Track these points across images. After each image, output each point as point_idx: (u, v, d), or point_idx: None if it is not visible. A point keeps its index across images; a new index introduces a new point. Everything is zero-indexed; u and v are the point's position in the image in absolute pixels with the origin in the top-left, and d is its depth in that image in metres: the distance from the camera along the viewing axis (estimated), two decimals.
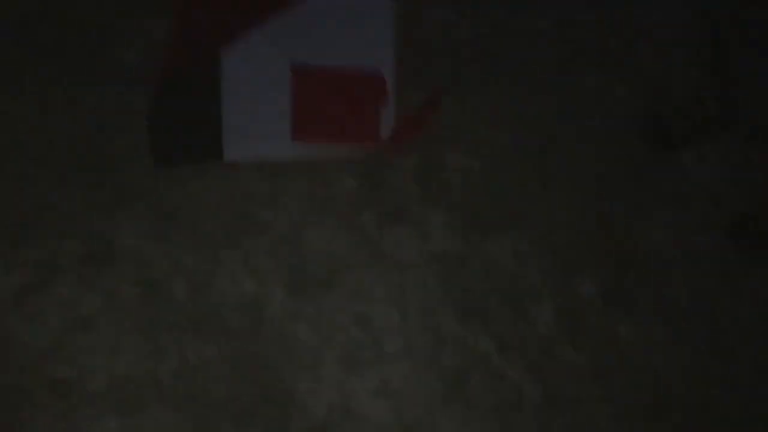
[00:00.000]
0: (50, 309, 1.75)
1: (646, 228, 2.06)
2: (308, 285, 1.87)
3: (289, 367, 1.72)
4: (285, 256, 1.91)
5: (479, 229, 2.01)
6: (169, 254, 1.87)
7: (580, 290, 1.93)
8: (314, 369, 1.72)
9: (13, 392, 1.63)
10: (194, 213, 1.96)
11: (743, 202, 2.17)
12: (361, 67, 2.19)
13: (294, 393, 1.68)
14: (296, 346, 1.75)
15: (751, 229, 2.10)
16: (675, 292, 1.96)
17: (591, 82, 2.33)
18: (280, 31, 2.26)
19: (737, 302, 1.97)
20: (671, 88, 2.33)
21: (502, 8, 2.51)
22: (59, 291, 1.78)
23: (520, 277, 1.95)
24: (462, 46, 2.40)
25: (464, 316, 1.86)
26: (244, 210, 1.98)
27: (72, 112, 2.11)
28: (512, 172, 2.13)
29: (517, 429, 1.71)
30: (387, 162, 2.09)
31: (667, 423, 1.77)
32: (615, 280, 1.96)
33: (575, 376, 1.80)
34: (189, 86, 2.10)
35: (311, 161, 2.09)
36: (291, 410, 1.66)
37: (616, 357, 1.84)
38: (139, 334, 1.73)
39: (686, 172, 2.18)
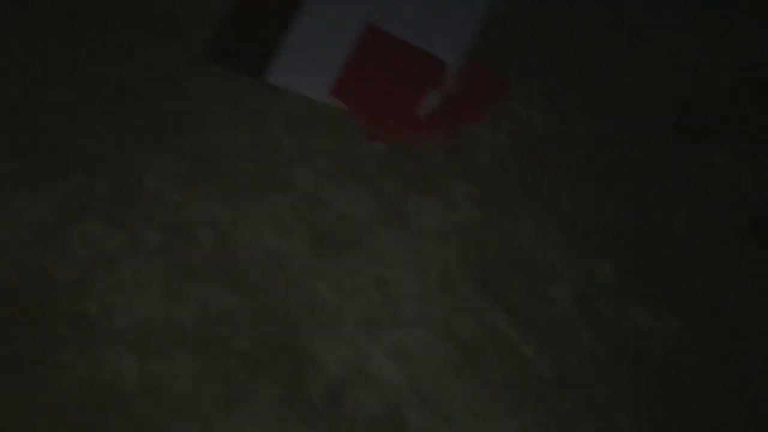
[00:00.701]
0: (76, 245, 1.76)
1: (670, 219, 2.07)
2: (331, 244, 1.87)
3: (308, 324, 1.73)
4: (309, 214, 1.92)
5: (503, 204, 2.02)
6: (195, 202, 1.87)
7: (600, 275, 1.94)
8: (332, 327, 1.74)
9: (38, 323, 1.64)
10: (222, 163, 1.96)
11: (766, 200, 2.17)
12: (429, 51, 2.22)
13: (312, 349, 1.70)
14: (316, 303, 1.77)
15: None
16: (694, 286, 1.97)
17: (630, 68, 2.32)
18: None
19: (757, 300, 1.98)
20: (709, 82, 2.32)
21: None
22: (86, 228, 1.78)
23: (539, 255, 1.96)
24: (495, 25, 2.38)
25: (482, 288, 1.87)
26: (271, 164, 1.98)
27: (113, 56, 2.09)
28: (540, 153, 2.13)
29: (527, 406, 1.74)
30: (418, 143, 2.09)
31: (678, 415, 1.79)
32: (635, 269, 1.97)
33: (588, 360, 1.82)
34: (267, 10, 2.14)
35: (342, 120, 2.09)
36: (307, 366, 1.67)
37: (631, 345, 1.86)
38: (161, 278, 1.74)
39: (715, 166, 2.19)
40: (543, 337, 1.83)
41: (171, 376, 1.61)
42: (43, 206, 1.80)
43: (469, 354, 1.77)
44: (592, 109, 2.22)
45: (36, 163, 1.87)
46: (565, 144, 2.14)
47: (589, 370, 1.81)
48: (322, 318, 1.75)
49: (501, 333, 1.82)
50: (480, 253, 1.93)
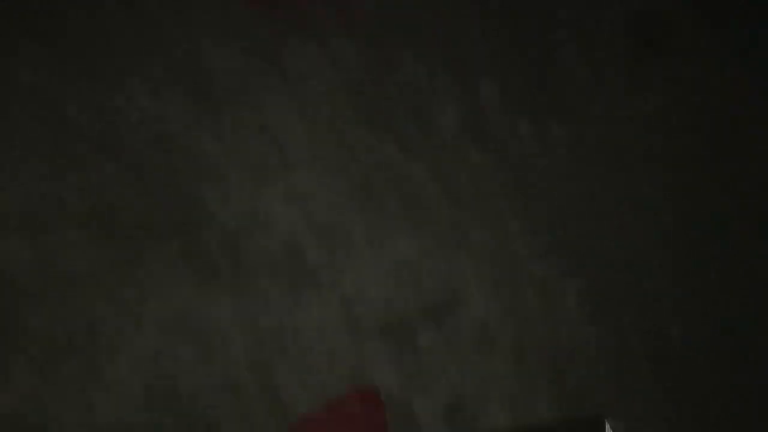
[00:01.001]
0: None
1: (548, 28, 2.09)
2: (210, 100, 1.84)
3: (196, 181, 1.72)
4: (184, 72, 1.86)
5: (382, 41, 1.99)
6: (63, 77, 1.79)
7: (482, 94, 1.97)
8: (222, 180, 1.73)
9: None
10: (90, 43, 1.86)
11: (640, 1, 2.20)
12: None
13: (203, 204, 1.69)
14: (202, 158, 1.75)
15: (647, 28, 2.16)
16: (575, 92, 2.02)
17: None
18: None
19: (633, 100, 2.05)
20: None
21: None
22: None
23: (423, 84, 1.96)
24: None
25: (369, 122, 1.88)
26: (140, 32, 1.89)
27: None
28: None
29: (423, 226, 1.79)
30: None
31: (554, 213, 1.88)
32: (517, 84, 2.00)
33: (478, 175, 1.87)
34: None
35: None
36: (201, 220, 1.68)
37: (517, 155, 1.91)
38: (36, 157, 1.68)
39: None
40: (433, 162, 1.87)
41: (62, 250, 1.59)
42: None
43: (362, 187, 1.80)
44: None
45: None
46: None
47: (478, 184, 1.86)
48: (210, 173, 1.73)
49: (392, 164, 1.85)
50: (364, 91, 1.92)
